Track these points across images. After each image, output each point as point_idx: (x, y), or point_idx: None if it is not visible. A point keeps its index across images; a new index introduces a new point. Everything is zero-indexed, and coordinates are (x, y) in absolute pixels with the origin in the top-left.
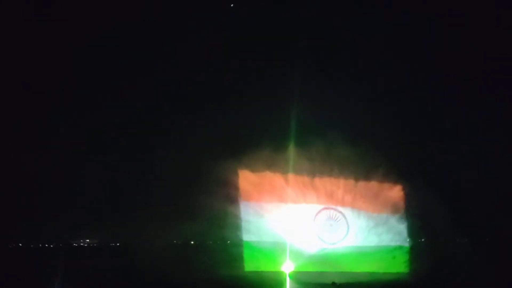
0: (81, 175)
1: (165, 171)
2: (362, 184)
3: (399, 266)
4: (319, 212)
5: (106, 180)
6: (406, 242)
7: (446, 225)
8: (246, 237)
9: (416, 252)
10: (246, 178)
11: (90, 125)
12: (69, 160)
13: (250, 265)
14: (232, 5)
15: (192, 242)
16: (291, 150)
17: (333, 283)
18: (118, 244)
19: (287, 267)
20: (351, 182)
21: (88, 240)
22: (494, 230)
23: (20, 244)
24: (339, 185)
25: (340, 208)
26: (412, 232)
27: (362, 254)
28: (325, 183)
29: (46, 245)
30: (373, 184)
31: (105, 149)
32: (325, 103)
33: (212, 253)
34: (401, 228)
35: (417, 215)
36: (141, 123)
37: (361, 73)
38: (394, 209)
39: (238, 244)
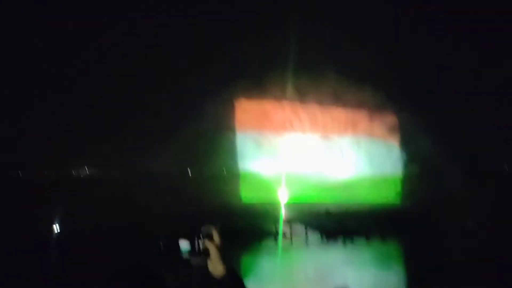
0: (73, 103)
1: (161, 100)
2: (357, 113)
3: (392, 196)
4: (315, 141)
5: (99, 108)
6: (400, 172)
7: (440, 155)
8: (242, 167)
9: (409, 182)
10: (243, 107)
11: (80, 52)
12: (59, 87)
13: (246, 195)
14: None
15: (189, 173)
16: (288, 79)
17: (327, 212)
18: (112, 173)
19: (283, 198)
20: (348, 111)
21: (87, 171)
22: (487, 160)
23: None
24: (336, 114)
25: (336, 138)
26: (406, 163)
27: (355, 184)
28: (322, 112)
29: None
30: (369, 114)
31: (96, 75)
32: (323, 33)
33: (208, 183)
34: (396, 158)
35: (411, 146)
36: (134, 51)
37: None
38: (390, 139)
39: (234, 174)
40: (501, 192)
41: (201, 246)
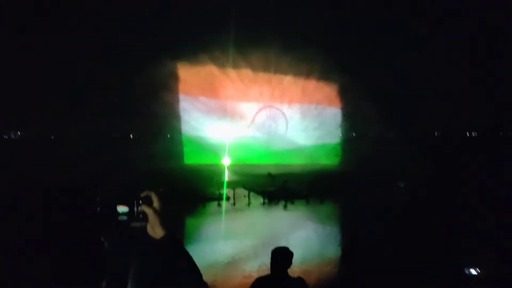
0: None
1: (103, 61)
2: (298, 82)
3: (330, 159)
4: (258, 107)
5: (33, 68)
6: (338, 135)
7: (376, 121)
8: (185, 131)
9: (346, 146)
10: (188, 71)
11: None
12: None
13: (190, 158)
14: None
15: (131, 136)
16: (234, 47)
17: (269, 174)
18: (53, 137)
19: (226, 160)
20: (289, 79)
21: (19, 133)
22: (419, 127)
23: None
24: (278, 82)
25: (277, 105)
26: (344, 128)
27: (296, 147)
28: (265, 80)
29: None
30: (309, 82)
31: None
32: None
33: (152, 146)
34: (334, 124)
35: (350, 110)
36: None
37: None
38: (328, 104)
39: (177, 138)
40: (430, 155)
41: (139, 210)
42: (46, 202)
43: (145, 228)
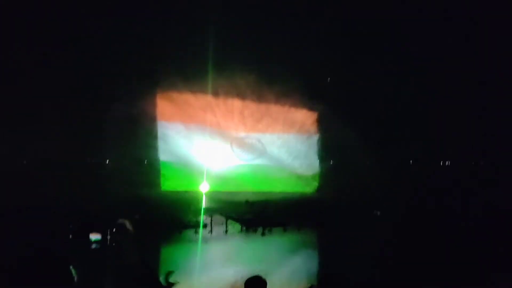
0: None
1: (78, 86)
2: (277, 110)
3: (308, 187)
4: (235, 134)
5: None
6: (316, 164)
7: (356, 148)
8: (163, 157)
9: (325, 173)
10: (164, 97)
11: None
12: None
13: (167, 184)
14: None
15: (107, 162)
16: (211, 73)
17: (247, 201)
18: (25, 162)
19: (203, 187)
20: (267, 107)
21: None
22: (399, 152)
23: None
24: (257, 110)
25: (255, 132)
26: (323, 155)
27: (274, 175)
28: (243, 107)
29: None
30: (286, 108)
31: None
32: (244, 30)
33: (128, 173)
34: (313, 151)
35: (327, 138)
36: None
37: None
38: (306, 133)
39: (154, 164)
40: (408, 184)
41: (113, 237)
42: (17, 228)
43: (117, 255)
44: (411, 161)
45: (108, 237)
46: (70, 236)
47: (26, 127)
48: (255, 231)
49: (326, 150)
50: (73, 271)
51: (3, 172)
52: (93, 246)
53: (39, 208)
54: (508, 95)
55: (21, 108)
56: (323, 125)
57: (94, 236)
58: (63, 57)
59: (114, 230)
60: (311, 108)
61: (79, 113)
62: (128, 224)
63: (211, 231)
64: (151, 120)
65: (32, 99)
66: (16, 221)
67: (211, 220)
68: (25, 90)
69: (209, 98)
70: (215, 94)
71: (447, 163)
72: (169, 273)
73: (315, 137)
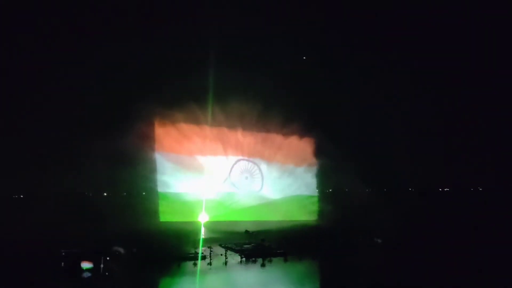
0: None
1: (78, 118)
2: (275, 137)
3: (307, 215)
4: (234, 163)
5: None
6: (314, 193)
7: (351, 176)
8: (161, 188)
9: (323, 201)
10: (163, 129)
11: None
12: None
13: (165, 215)
14: None
15: (105, 194)
16: (209, 103)
17: (246, 231)
18: (22, 196)
19: (202, 217)
20: (264, 136)
21: None
22: (394, 182)
23: None
24: (254, 138)
25: (253, 161)
26: (320, 184)
27: (272, 203)
28: (241, 136)
29: None
30: (285, 138)
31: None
32: (240, 63)
33: (125, 205)
34: (311, 180)
35: (326, 166)
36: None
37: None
38: (305, 162)
39: (153, 195)
40: (406, 210)
41: (106, 266)
42: (14, 256)
43: (110, 285)
44: (410, 189)
45: (101, 265)
46: (62, 264)
47: (22, 161)
48: (255, 262)
49: (324, 177)
50: None
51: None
52: (85, 275)
53: (35, 238)
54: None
55: (22, 141)
56: (321, 153)
57: (86, 264)
58: (59, 94)
59: (107, 258)
60: (309, 136)
61: (76, 146)
62: (122, 252)
63: (210, 262)
64: (149, 152)
65: (29, 133)
66: (11, 250)
67: (210, 251)
68: (24, 123)
69: (206, 129)
70: (212, 123)
71: (446, 189)
72: None
73: (313, 164)
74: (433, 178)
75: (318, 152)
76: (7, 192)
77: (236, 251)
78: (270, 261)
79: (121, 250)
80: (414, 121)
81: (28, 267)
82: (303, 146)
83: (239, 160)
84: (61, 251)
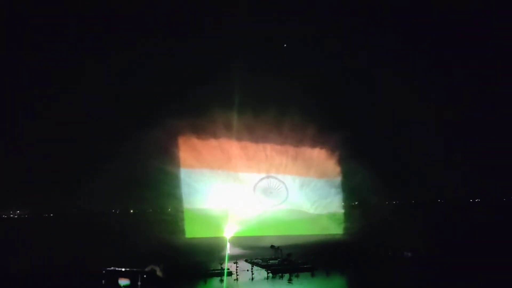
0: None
1: (102, 138)
2: (300, 152)
3: (333, 228)
4: (259, 179)
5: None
6: (340, 206)
7: (375, 190)
8: (187, 204)
9: (349, 215)
10: (187, 145)
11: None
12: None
13: (191, 231)
14: None
15: (131, 211)
16: (234, 119)
17: (272, 246)
18: (52, 214)
19: (228, 233)
20: (290, 151)
21: (18, 211)
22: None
23: None
24: (280, 153)
25: (279, 176)
26: (346, 197)
27: (298, 218)
28: (266, 151)
29: None
30: (311, 153)
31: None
32: (266, 77)
33: (152, 222)
34: (336, 193)
35: (350, 179)
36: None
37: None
38: (329, 175)
39: (179, 211)
40: (434, 223)
41: (143, 284)
42: (54, 276)
43: None
44: (439, 200)
45: (139, 283)
46: (103, 282)
47: (53, 182)
48: (282, 277)
49: (350, 190)
50: None
51: (38, 223)
52: None
53: (70, 256)
54: None
55: (46, 165)
56: (345, 166)
57: (123, 281)
58: (86, 112)
59: (144, 276)
60: (335, 150)
61: (103, 166)
62: (158, 271)
63: (237, 278)
64: (174, 168)
65: (59, 155)
66: (52, 269)
67: (237, 267)
68: (45, 144)
69: (232, 143)
70: (239, 139)
71: (476, 200)
72: None
73: (339, 178)
74: (463, 189)
75: (344, 166)
76: (38, 210)
77: (262, 267)
78: (297, 276)
79: (157, 268)
80: (444, 132)
81: (72, 285)
82: (328, 161)
83: (264, 176)
84: (102, 270)
